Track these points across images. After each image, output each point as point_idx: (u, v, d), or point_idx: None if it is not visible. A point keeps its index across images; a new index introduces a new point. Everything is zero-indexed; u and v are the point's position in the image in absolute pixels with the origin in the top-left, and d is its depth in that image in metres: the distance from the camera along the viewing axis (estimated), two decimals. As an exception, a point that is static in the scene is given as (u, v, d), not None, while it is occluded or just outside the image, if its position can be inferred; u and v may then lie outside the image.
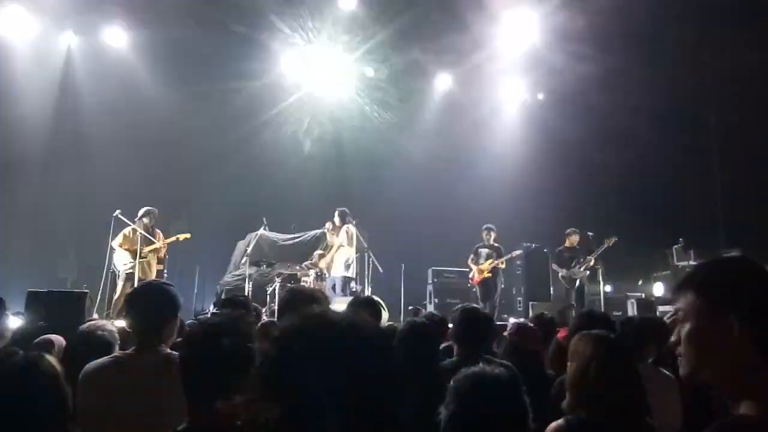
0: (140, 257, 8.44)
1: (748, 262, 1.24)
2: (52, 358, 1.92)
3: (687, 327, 1.25)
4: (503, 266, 10.34)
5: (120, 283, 8.51)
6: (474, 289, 10.63)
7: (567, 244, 10.45)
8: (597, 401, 2.15)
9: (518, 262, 12.02)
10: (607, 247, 9.91)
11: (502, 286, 10.54)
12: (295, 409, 0.96)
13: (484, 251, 10.32)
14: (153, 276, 8.62)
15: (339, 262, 9.70)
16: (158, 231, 8.91)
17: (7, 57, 11.10)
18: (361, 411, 0.99)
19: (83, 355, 2.69)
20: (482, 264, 10.20)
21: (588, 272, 10.15)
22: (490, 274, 10.19)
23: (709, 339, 1.21)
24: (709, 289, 1.23)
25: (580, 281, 10.16)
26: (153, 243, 8.64)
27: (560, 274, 10.34)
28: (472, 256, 10.42)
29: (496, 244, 10.38)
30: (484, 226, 10.46)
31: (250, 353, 1.75)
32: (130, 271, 8.42)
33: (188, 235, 9.16)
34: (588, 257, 10.05)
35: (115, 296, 8.42)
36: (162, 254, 8.95)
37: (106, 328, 3.13)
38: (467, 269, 10.64)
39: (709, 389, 1.23)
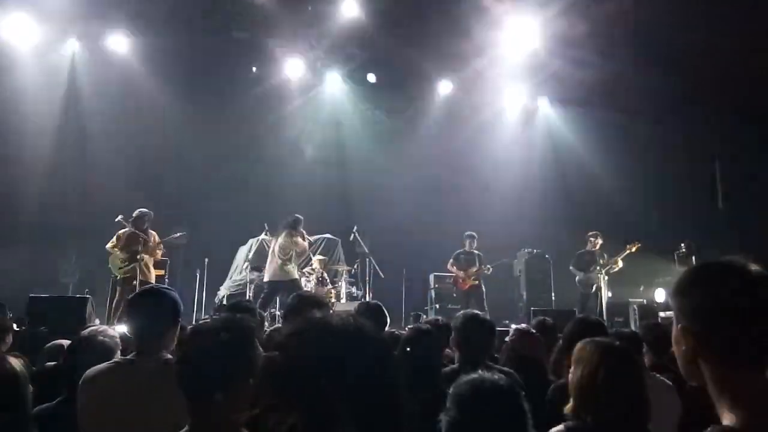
0: (137, 259, 8.34)
1: (718, 268, 1.22)
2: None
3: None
4: (489, 272, 10.33)
5: (118, 288, 8.42)
6: (455, 294, 10.71)
7: (589, 247, 10.24)
8: (603, 408, 2.16)
9: (520, 268, 12.00)
10: (629, 253, 9.77)
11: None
12: (305, 415, 0.97)
13: (463, 257, 10.34)
14: (152, 279, 8.53)
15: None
16: (153, 233, 8.71)
17: (11, 63, 11.16)
18: (368, 415, 1.00)
19: (84, 360, 2.69)
20: (468, 270, 10.23)
21: (607, 277, 9.95)
22: (476, 282, 10.23)
23: (679, 347, 1.23)
24: (673, 297, 1.25)
25: (596, 286, 10.01)
26: (147, 244, 8.49)
27: (577, 278, 10.19)
28: (452, 260, 10.40)
29: (476, 252, 10.39)
30: (467, 233, 10.47)
31: (249, 354, 1.74)
32: (128, 275, 8.34)
33: (181, 234, 9.07)
34: (610, 261, 9.89)
35: (114, 301, 8.38)
36: (158, 256, 8.80)
37: (107, 333, 3.12)
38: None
39: (705, 397, 1.23)
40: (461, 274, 10.25)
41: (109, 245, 8.50)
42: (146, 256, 8.51)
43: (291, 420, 0.98)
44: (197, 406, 1.72)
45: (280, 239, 8.97)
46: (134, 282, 8.22)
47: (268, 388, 1.06)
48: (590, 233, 10.32)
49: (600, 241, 10.19)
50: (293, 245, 8.89)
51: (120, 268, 8.41)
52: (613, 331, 3.83)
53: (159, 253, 8.83)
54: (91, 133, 11.89)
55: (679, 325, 1.21)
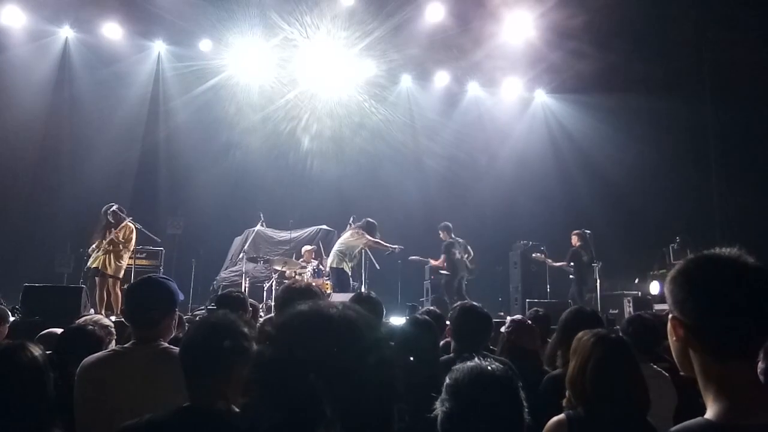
0: (102, 250, 8.48)
1: (709, 261, 1.23)
2: (34, 347, 1.95)
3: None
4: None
5: (93, 279, 8.56)
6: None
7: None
8: (594, 398, 2.17)
9: (515, 260, 12.03)
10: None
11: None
12: (295, 409, 0.95)
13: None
14: (116, 271, 8.58)
15: None
16: (126, 227, 8.70)
17: (4, 51, 11.06)
18: (356, 415, 0.98)
19: (74, 350, 2.69)
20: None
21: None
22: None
23: (672, 339, 1.24)
24: (667, 289, 1.26)
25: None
26: (109, 236, 8.56)
27: None
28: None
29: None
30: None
31: (246, 347, 1.84)
32: (93, 265, 8.46)
33: (135, 226, 8.99)
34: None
35: (96, 293, 8.45)
36: (129, 248, 8.81)
37: (99, 322, 3.12)
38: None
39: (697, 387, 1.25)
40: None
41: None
42: (122, 251, 8.60)
43: (274, 417, 0.96)
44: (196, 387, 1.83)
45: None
46: (101, 272, 8.41)
47: (256, 380, 1.03)
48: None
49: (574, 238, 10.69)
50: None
51: (92, 259, 8.55)
52: (630, 318, 3.78)
53: (130, 246, 8.82)
54: (84, 122, 11.82)
55: (671, 316, 1.22)
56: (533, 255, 11.00)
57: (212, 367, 1.80)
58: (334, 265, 9.70)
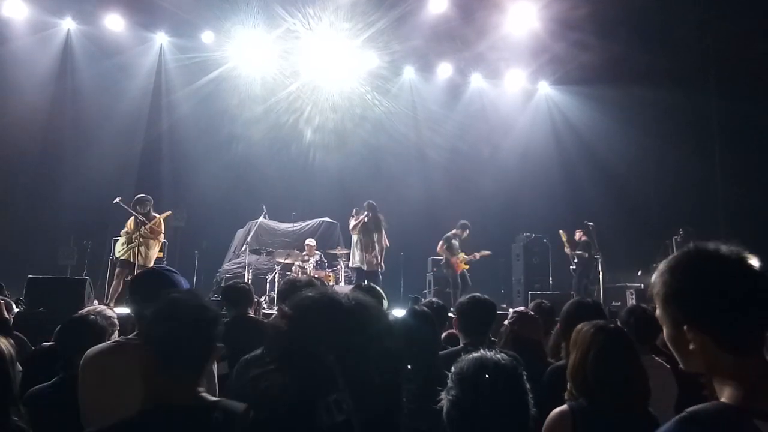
0: (138, 242, 8.45)
1: (696, 260, 1.23)
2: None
3: (664, 330, 1.29)
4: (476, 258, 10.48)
5: (117, 270, 8.54)
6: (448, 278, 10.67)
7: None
8: (595, 389, 2.17)
9: (518, 252, 12.05)
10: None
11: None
12: (307, 379, 0.99)
13: (456, 243, 10.35)
14: (150, 263, 8.59)
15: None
16: (157, 217, 8.79)
17: (6, 43, 11.06)
18: (364, 388, 1.02)
19: (75, 340, 2.69)
20: (460, 255, 10.27)
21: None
22: (467, 266, 10.33)
23: (680, 343, 1.24)
24: (664, 302, 1.26)
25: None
26: (144, 227, 8.59)
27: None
28: (445, 244, 10.33)
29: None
30: (462, 222, 10.47)
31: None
32: (123, 257, 8.44)
33: (168, 213, 9.16)
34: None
35: (113, 283, 8.43)
36: (160, 239, 8.90)
37: (102, 313, 3.11)
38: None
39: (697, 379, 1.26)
40: (454, 258, 10.26)
41: (123, 231, 8.65)
42: (151, 240, 8.60)
43: (284, 381, 1.00)
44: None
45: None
46: (131, 265, 8.36)
47: (272, 353, 1.09)
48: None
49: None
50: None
51: (120, 250, 8.48)
52: (627, 309, 3.77)
53: (161, 235, 8.90)
54: (87, 114, 11.82)
55: (685, 327, 1.21)
56: (560, 231, 10.82)
57: (198, 358, 1.68)
58: (358, 267, 9.51)
